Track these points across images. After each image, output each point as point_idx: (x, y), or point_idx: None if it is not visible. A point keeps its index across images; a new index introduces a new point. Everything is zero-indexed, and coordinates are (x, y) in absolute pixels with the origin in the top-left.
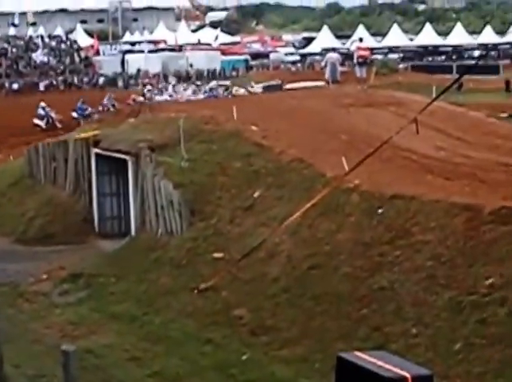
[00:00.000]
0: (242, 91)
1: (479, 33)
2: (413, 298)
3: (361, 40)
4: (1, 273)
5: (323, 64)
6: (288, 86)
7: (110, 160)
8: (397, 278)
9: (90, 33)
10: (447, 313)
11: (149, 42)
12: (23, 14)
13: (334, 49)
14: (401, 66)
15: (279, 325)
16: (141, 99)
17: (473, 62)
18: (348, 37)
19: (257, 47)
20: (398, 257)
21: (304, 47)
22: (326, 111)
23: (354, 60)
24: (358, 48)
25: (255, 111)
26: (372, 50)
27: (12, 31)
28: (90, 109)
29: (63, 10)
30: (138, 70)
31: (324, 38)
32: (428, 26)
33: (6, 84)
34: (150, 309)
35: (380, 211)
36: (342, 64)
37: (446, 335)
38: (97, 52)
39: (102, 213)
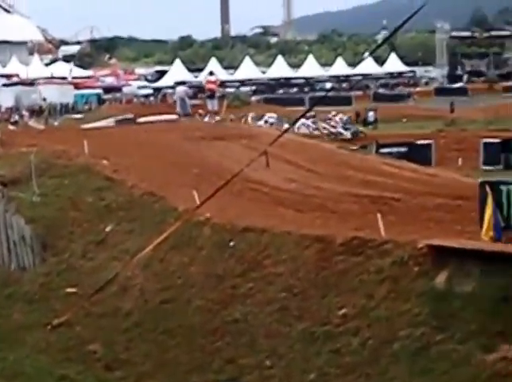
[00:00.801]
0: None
1: (331, 64)
2: (267, 330)
3: (211, 73)
4: None
5: (174, 97)
6: (141, 120)
7: None
8: (250, 311)
9: None
10: (300, 344)
11: (2, 76)
12: None
13: (183, 83)
14: (253, 99)
15: (133, 359)
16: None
17: (328, 94)
18: (201, 69)
19: (110, 80)
20: (251, 289)
21: (156, 80)
22: (177, 145)
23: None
24: (207, 82)
25: (107, 145)
26: (224, 83)
27: None
28: None
29: None
30: None
31: (177, 71)
32: (279, 59)
33: None
34: (4, 345)
35: (232, 244)
36: (194, 97)
37: (300, 366)
38: None
39: None
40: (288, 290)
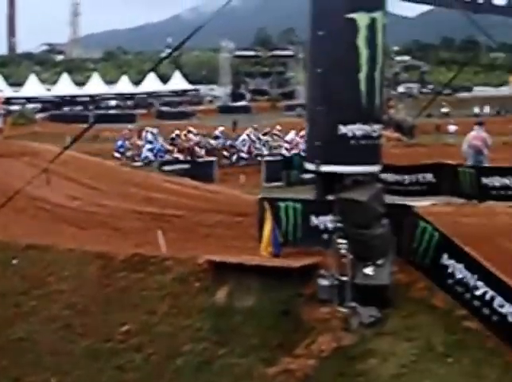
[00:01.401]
0: None
1: (116, 82)
2: (51, 348)
3: None
4: None
5: None
6: None
7: None
8: (35, 328)
9: None
10: (85, 360)
11: None
12: None
13: None
14: (39, 116)
15: None
16: None
17: (110, 111)
18: None
19: None
20: (34, 307)
21: None
22: None
23: None
24: None
25: None
26: (9, 100)
27: None
28: None
29: None
30: None
31: None
32: (65, 76)
33: None
34: None
35: (15, 261)
36: None
37: None
38: None
39: None
40: (71, 307)
